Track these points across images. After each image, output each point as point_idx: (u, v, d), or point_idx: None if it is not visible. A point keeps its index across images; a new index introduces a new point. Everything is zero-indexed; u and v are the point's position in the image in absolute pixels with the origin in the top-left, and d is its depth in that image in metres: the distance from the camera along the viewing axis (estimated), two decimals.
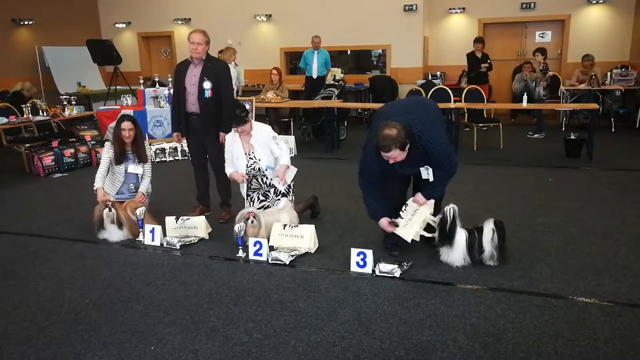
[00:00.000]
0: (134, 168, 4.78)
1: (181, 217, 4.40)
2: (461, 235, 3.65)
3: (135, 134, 4.72)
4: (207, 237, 4.38)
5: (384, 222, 3.79)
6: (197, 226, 4.37)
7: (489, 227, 3.64)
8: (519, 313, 3.03)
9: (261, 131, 4.44)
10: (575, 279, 3.44)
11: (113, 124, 7.92)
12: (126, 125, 4.67)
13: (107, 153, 4.75)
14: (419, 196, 3.77)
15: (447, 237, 3.66)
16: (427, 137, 3.52)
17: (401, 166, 3.62)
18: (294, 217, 4.32)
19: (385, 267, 3.60)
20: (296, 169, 4.58)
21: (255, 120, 4.82)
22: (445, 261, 3.69)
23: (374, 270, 3.61)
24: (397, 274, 3.55)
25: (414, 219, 3.76)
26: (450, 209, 3.66)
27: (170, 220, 4.40)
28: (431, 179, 3.69)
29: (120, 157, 4.74)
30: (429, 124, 3.57)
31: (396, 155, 3.46)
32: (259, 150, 4.41)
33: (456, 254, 3.65)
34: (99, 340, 2.87)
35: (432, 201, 3.80)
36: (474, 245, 3.62)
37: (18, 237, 4.60)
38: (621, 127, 9.23)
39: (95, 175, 4.70)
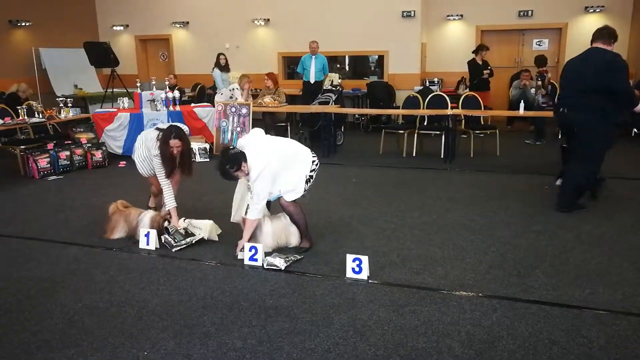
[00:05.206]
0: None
1: (189, 220, 4.40)
2: None
3: (185, 147, 4.48)
4: (215, 238, 4.42)
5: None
6: (202, 228, 4.37)
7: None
8: (514, 320, 3.02)
9: (251, 177, 3.90)
10: (570, 287, 3.44)
11: (110, 127, 8.01)
12: (174, 143, 4.38)
13: (162, 170, 4.45)
14: None
15: None
16: (613, 57, 4.68)
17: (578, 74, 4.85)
18: (277, 230, 4.20)
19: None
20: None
21: (252, 124, 4.69)
22: None
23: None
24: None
25: None
26: None
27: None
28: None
29: (171, 171, 4.53)
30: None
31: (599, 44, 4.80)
32: None
33: None
34: (92, 345, 2.85)
35: None
36: None
37: (11, 239, 4.57)
38: (617, 136, 9.24)
39: (167, 195, 4.44)
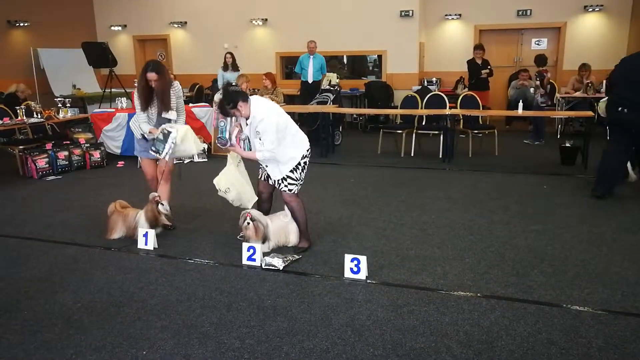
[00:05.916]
0: (167, 114, 4.64)
1: (163, 126, 4.49)
2: None
3: (161, 84, 4.47)
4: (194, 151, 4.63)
5: None
6: (178, 129, 4.45)
7: None
8: (513, 321, 3.03)
9: (253, 120, 3.92)
10: (569, 287, 3.44)
11: (108, 127, 8.00)
12: (151, 76, 4.41)
13: (137, 100, 4.54)
14: None
15: None
16: None
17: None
18: (277, 229, 4.20)
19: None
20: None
21: None
22: None
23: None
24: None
25: None
26: None
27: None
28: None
29: (145, 104, 4.54)
30: None
31: None
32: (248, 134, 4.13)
33: None
34: (90, 345, 2.84)
35: None
36: None
37: (9, 239, 4.56)
38: None
39: (143, 124, 4.54)
